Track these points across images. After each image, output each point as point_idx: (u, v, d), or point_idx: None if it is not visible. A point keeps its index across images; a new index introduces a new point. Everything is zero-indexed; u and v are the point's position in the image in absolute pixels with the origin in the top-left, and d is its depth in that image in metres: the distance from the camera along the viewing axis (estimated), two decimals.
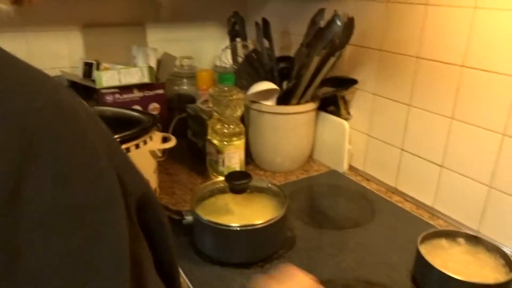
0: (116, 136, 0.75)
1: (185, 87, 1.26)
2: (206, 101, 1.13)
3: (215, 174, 0.97)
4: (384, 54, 0.93)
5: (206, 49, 1.33)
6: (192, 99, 1.23)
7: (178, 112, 1.20)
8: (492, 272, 0.63)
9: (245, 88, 0.99)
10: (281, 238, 0.74)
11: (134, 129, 0.80)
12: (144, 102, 1.12)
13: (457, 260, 0.66)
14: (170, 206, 0.85)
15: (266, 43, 1.01)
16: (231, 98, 0.93)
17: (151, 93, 1.14)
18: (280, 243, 0.74)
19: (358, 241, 0.78)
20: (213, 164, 0.97)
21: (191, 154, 1.13)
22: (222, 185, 0.78)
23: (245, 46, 1.07)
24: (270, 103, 1.00)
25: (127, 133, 0.77)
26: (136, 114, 0.89)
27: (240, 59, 1.06)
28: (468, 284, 0.59)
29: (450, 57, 0.79)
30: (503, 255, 0.64)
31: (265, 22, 1.01)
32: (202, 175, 1.02)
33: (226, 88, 0.93)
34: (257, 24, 1.00)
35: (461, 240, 0.69)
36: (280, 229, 0.73)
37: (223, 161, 0.95)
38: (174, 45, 1.29)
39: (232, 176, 0.75)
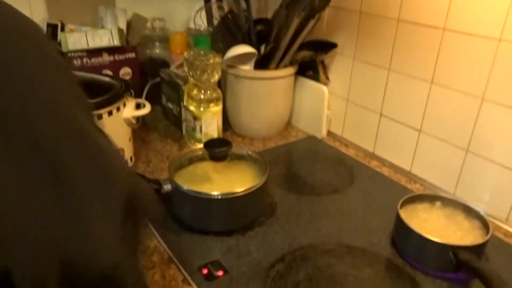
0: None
1: (157, 51, 1.20)
2: (180, 66, 1.09)
3: (192, 141, 0.94)
4: (364, 17, 0.91)
5: (179, 10, 1.26)
6: (165, 64, 1.18)
7: (150, 77, 1.15)
8: (468, 234, 0.64)
9: (222, 51, 0.96)
10: (262, 205, 0.74)
11: (105, 95, 0.76)
12: (115, 66, 1.07)
13: (435, 223, 0.67)
14: (147, 174, 0.83)
15: (243, 4, 0.97)
16: (207, 62, 0.89)
17: (122, 57, 1.08)
18: (260, 210, 0.73)
19: (337, 206, 0.78)
20: (190, 131, 0.94)
21: (166, 121, 1.10)
22: (200, 152, 0.76)
23: (220, 8, 1.02)
24: (247, 67, 0.97)
25: (99, 99, 0.73)
26: (107, 79, 0.84)
27: (215, 21, 1.01)
28: (445, 246, 0.60)
29: (432, 19, 0.78)
30: (479, 217, 0.66)
31: None
32: (179, 142, 0.99)
33: (202, 52, 0.89)
34: None
35: (438, 203, 0.70)
36: (260, 196, 0.72)
37: (200, 128, 0.92)
38: (144, 6, 1.21)
39: (211, 144, 0.73)
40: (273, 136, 1.05)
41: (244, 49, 0.93)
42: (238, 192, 0.66)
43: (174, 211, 0.71)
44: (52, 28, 1.07)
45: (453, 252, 0.59)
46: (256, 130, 1.03)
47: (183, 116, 0.96)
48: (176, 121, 1.04)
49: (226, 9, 1.00)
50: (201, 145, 0.92)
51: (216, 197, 0.65)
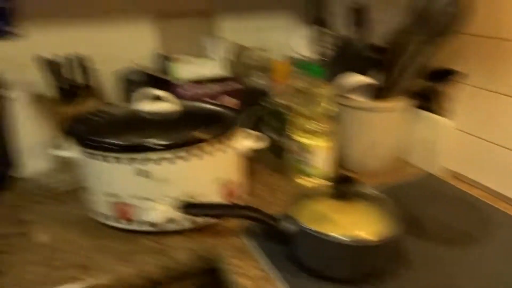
0: (205, 134, 0.70)
1: (258, 80, 1.19)
2: (284, 95, 1.06)
3: (300, 175, 0.90)
4: (492, 42, 0.81)
5: (279, 39, 1.25)
6: (264, 93, 1.16)
7: (250, 107, 1.13)
8: None
9: (332, 80, 0.91)
10: (392, 254, 0.66)
11: (221, 124, 0.74)
12: (219, 96, 1.06)
13: None
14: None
15: (356, 31, 0.92)
16: (319, 92, 0.85)
17: (225, 87, 1.07)
18: (390, 259, 0.66)
19: (473, 257, 0.68)
20: (297, 163, 0.90)
21: (268, 152, 1.06)
22: (319, 188, 0.71)
23: (328, 35, 0.99)
24: (359, 97, 0.92)
25: (216, 130, 0.71)
26: (221, 109, 0.83)
27: (323, 49, 0.98)
28: None
29: None
30: None
31: (358, 7, 0.90)
32: (284, 174, 0.95)
33: (313, 81, 0.86)
34: (350, 9, 0.91)
35: None
36: (393, 245, 0.64)
37: (309, 161, 0.87)
38: (245, 36, 1.22)
39: (336, 180, 0.68)
40: (385, 171, 0.97)
41: (359, 79, 0.88)
42: (370, 240, 0.60)
43: (294, 251, 0.66)
44: (160, 58, 1.10)
45: None
46: (367, 165, 0.96)
47: (289, 147, 0.92)
48: (279, 152, 1.01)
49: (334, 36, 0.96)
50: (313, 180, 0.88)
51: (345, 242, 0.59)
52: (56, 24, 1.05)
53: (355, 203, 0.70)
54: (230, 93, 1.07)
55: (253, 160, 1.01)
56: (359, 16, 0.89)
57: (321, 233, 0.60)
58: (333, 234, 0.60)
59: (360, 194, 0.71)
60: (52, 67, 0.97)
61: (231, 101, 1.07)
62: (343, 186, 0.68)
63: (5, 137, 0.89)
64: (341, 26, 0.95)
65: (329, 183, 0.69)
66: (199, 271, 0.71)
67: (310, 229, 0.61)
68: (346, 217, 0.68)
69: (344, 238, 0.59)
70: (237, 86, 1.08)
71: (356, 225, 0.66)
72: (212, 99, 1.04)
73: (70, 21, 1.06)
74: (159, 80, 1.05)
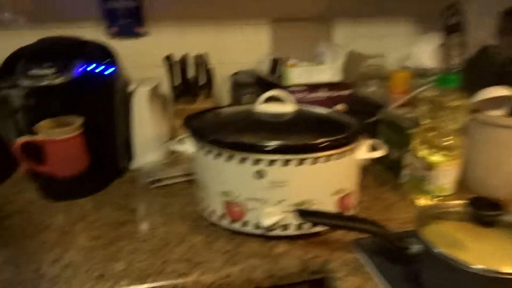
0: (328, 139, 0.66)
1: (371, 89, 1.13)
2: (402, 106, 0.99)
3: (418, 192, 0.82)
4: None
5: (398, 47, 1.18)
6: (377, 103, 1.09)
7: (362, 116, 1.07)
8: None
9: (465, 92, 0.82)
10: None
11: (344, 131, 0.70)
12: (331, 102, 1.03)
13: None
14: None
15: (495, 39, 0.82)
16: (451, 104, 0.76)
17: (338, 93, 1.03)
18: None
19: None
20: (416, 180, 0.82)
21: (378, 164, 1.00)
22: (451, 209, 0.63)
23: (462, 43, 0.90)
24: (495, 112, 0.81)
25: (338, 135, 0.67)
26: (343, 117, 0.79)
27: (455, 59, 0.89)
28: None
29: None
30: None
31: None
32: (397, 189, 0.88)
33: (444, 92, 0.77)
34: (500, 13, 0.81)
35: None
36: None
37: (431, 179, 0.79)
38: (360, 43, 1.17)
39: (472, 202, 0.60)
40: None
41: (497, 91, 0.78)
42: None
43: (416, 274, 0.59)
44: (274, 62, 1.10)
45: None
46: (493, 187, 0.84)
47: (408, 162, 0.84)
48: (392, 166, 0.93)
49: (473, 44, 0.87)
50: (434, 199, 0.80)
51: (483, 273, 0.51)
52: (179, 25, 1.10)
53: (494, 230, 0.60)
54: (341, 100, 1.03)
55: (364, 172, 0.95)
56: (508, 21, 0.79)
57: (454, 260, 0.53)
58: (468, 262, 0.52)
59: (502, 222, 0.61)
60: (174, 65, 1.02)
61: (341, 108, 1.03)
62: (482, 210, 0.59)
63: (128, 130, 0.95)
64: (479, 34, 0.85)
65: (463, 205, 0.60)
66: (305, 282, 0.67)
67: (441, 254, 0.54)
68: (484, 245, 0.59)
69: (481, 268, 0.51)
70: (348, 93, 1.04)
71: (495, 255, 0.57)
72: (323, 105, 1.00)
73: (192, 23, 1.11)
74: (270, 84, 1.04)
